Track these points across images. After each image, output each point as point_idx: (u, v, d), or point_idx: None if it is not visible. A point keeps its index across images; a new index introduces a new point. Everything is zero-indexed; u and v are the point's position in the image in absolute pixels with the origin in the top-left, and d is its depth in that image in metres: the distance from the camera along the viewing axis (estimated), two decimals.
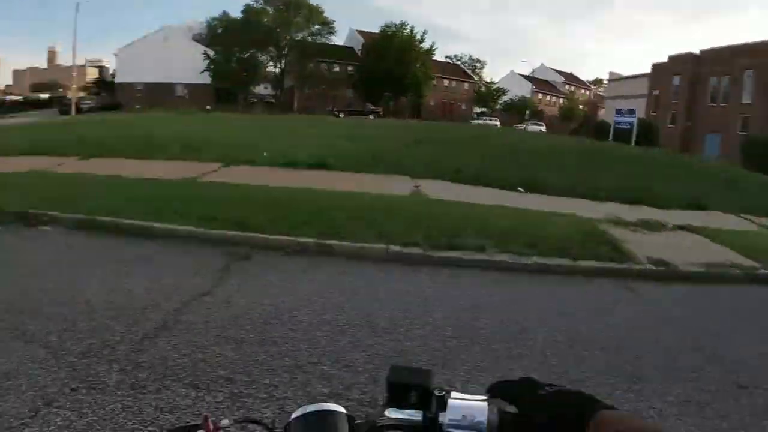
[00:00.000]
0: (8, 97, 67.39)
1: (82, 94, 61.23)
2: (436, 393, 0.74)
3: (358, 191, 9.45)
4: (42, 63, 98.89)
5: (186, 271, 5.63)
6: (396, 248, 6.35)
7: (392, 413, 0.75)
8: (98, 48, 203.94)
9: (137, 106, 45.67)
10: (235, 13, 57.37)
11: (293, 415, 0.73)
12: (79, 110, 45.32)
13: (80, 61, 73.78)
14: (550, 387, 0.72)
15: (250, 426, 0.84)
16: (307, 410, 0.73)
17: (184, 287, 5.14)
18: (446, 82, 71.79)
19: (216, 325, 4.39)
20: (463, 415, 0.70)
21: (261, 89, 61.46)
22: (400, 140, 21.48)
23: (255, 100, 58.68)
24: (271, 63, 59.85)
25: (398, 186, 10.79)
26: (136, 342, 4.08)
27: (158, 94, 52.13)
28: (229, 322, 4.45)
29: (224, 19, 56.93)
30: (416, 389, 0.75)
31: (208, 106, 44.08)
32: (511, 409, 0.72)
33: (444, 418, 0.72)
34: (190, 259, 6.02)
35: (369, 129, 28.38)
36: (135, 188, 8.87)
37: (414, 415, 0.74)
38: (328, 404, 0.74)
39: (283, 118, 31.70)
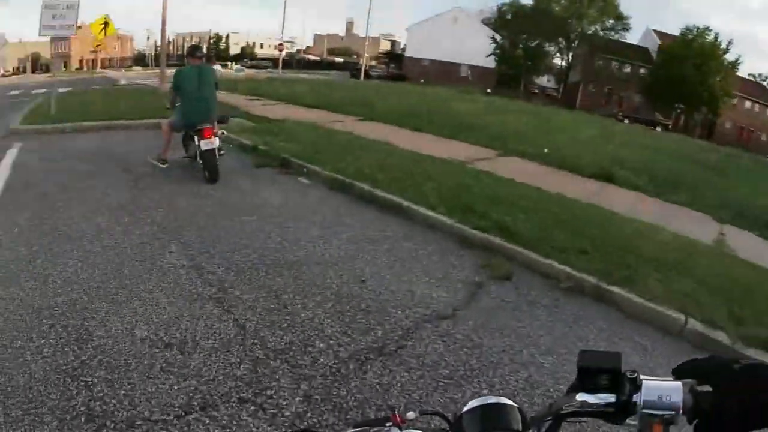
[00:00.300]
0: (309, 56, 79.04)
1: (372, 62, 68.12)
2: (629, 375, 0.73)
3: (651, 223, 7.31)
4: (340, 31, 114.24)
5: (430, 273, 4.60)
6: (697, 325, 4.23)
7: (583, 398, 0.75)
8: (392, 23, 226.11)
9: (421, 81, 48.20)
10: None
11: (465, 408, 0.76)
12: (368, 76, 50.14)
13: (374, 34, 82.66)
14: (744, 361, 0.70)
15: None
16: (479, 403, 0.76)
17: (423, 298, 4.09)
18: (747, 104, 59.01)
19: (446, 372, 3.15)
20: (658, 396, 0.69)
21: (543, 81, 60.09)
22: (699, 163, 18.03)
23: (536, 90, 57.75)
24: (557, 54, 57.87)
25: (698, 227, 8.26)
26: (340, 361, 3.12)
27: (443, 72, 54.56)
28: (465, 373, 3.17)
29: (515, 5, 56.82)
30: (608, 372, 0.73)
31: (488, 90, 44.37)
32: (704, 388, 0.70)
33: (638, 399, 0.71)
34: (438, 259, 4.97)
35: (659, 142, 24.82)
36: (400, 159, 8.28)
37: (606, 398, 0.74)
38: (499, 397, 0.76)
39: (564, 114, 29.63)
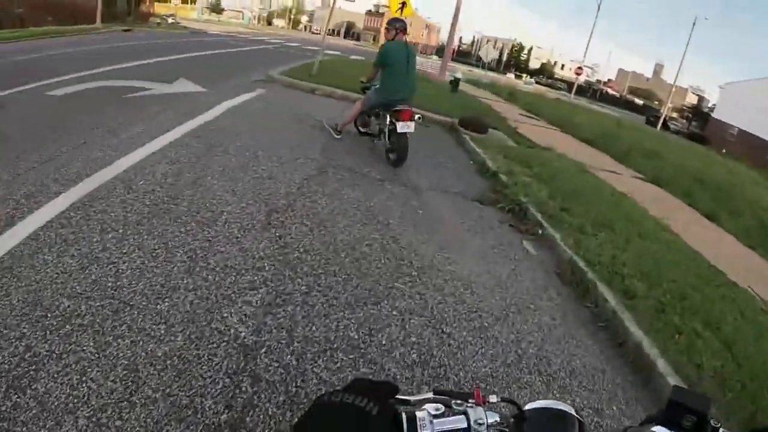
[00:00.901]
0: (607, 89, 73.93)
1: (673, 114, 60.67)
2: (713, 423, 0.72)
3: None
4: (646, 72, 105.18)
5: None
6: None
7: (659, 430, 0.73)
8: (705, 77, 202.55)
9: (723, 150, 40.50)
10: None
11: (532, 405, 0.75)
12: (665, 128, 44.02)
13: (683, 84, 73.74)
14: None
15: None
16: (545, 405, 0.74)
17: None
18: None
19: None
20: None
21: None
22: None
23: None
24: None
25: None
26: None
27: (750, 147, 44.27)
28: None
29: None
30: (695, 414, 0.72)
31: None
32: None
33: None
34: None
35: None
36: (680, 265, 5.01)
37: None
38: (568, 406, 0.74)
39: None
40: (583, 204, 6.04)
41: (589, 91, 66.47)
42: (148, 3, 49.02)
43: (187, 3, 66.42)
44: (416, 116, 6.27)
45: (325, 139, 6.89)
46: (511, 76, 63.99)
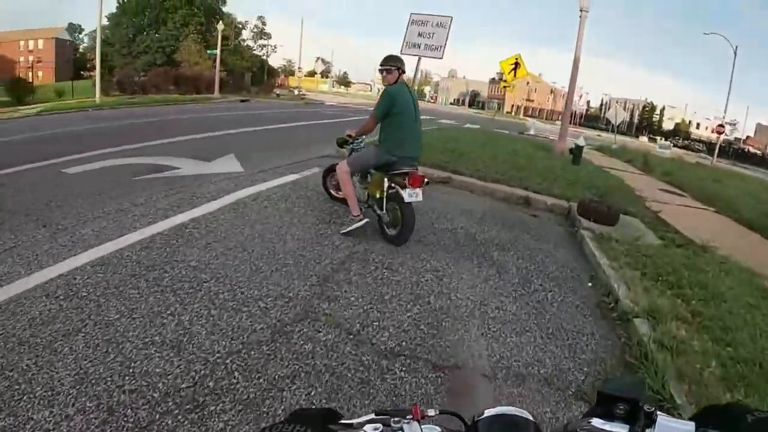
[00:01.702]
0: (748, 147, 64.88)
1: None
2: (646, 409, 0.67)
3: None
4: None
5: None
6: None
7: (597, 423, 0.68)
8: None
9: None
10: None
11: (485, 413, 0.71)
12: None
13: None
14: (758, 413, 0.66)
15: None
16: (496, 412, 0.71)
17: None
18: None
19: None
20: None
21: None
22: None
23: None
24: None
25: None
26: None
27: None
28: None
29: None
30: (628, 402, 0.68)
31: None
32: None
33: None
34: None
35: None
36: None
37: (618, 427, 0.67)
38: (519, 410, 0.71)
39: None
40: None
41: (729, 151, 58.53)
42: (282, 77, 50.98)
43: (312, 76, 68.99)
44: (425, 180, 4.82)
45: (344, 248, 4.40)
46: (644, 139, 57.72)
